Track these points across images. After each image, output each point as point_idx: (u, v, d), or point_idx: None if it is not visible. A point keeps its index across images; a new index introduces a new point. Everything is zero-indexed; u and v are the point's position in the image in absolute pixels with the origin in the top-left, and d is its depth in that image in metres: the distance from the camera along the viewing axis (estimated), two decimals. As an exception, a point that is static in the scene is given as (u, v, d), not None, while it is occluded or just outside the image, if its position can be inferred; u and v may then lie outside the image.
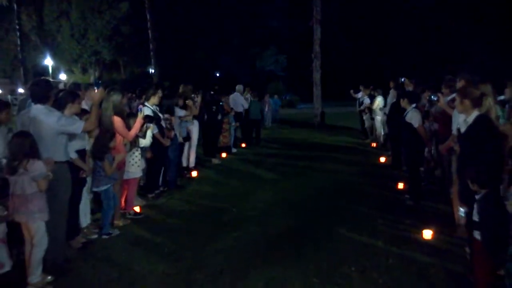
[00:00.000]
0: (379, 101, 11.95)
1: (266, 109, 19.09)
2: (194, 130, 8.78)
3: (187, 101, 8.09)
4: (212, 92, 10.70)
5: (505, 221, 3.13)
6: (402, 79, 8.78)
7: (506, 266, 3.16)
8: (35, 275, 3.79)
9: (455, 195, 4.83)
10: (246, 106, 12.51)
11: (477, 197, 3.40)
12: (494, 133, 3.69)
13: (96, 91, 4.67)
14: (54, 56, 27.56)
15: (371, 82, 13.40)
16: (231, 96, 12.07)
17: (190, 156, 8.80)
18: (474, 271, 3.59)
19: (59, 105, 4.27)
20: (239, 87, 12.45)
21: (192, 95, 8.52)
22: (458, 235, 4.77)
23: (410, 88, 8.45)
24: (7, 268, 3.95)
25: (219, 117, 9.96)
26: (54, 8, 27.90)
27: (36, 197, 3.73)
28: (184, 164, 8.70)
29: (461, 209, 3.58)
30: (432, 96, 6.53)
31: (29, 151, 3.68)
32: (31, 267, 3.78)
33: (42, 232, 3.80)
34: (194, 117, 8.75)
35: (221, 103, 10.34)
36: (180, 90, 8.62)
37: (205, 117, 9.51)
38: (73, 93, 4.70)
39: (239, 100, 12.15)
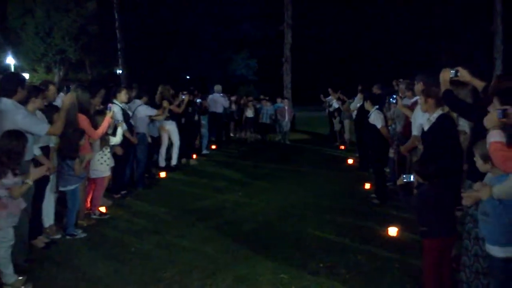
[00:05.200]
0: (347, 104, 12.19)
1: (286, 118, 13.87)
2: (174, 130, 8.78)
3: (163, 102, 8.00)
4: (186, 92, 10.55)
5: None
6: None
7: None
8: (8, 275, 3.67)
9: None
10: (227, 105, 12.39)
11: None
12: (455, 132, 3.86)
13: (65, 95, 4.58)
14: (17, 55, 26.53)
15: (342, 87, 13.59)
16: (210, 97, 11.92)
17: (172, 155, 8.93)
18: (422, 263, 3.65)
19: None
20: (217, 87, 12.14)
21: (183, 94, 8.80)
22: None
23: (378, 92, 8.63)
24: None
25: (196, 117, 9.84)
26: (18, 6, 26.91)
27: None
28: (163, 164, 8.78)
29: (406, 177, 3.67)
30: (391, 99, 6.66)
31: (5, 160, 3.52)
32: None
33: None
34: (172, 117, 8.69)
35: (198, 103, 10.19)
36: (159, 90, 8.53)
37: (182, 119, 9.34)
38: (36, 88, 4.55)
39: (219, 100, 11.90)
